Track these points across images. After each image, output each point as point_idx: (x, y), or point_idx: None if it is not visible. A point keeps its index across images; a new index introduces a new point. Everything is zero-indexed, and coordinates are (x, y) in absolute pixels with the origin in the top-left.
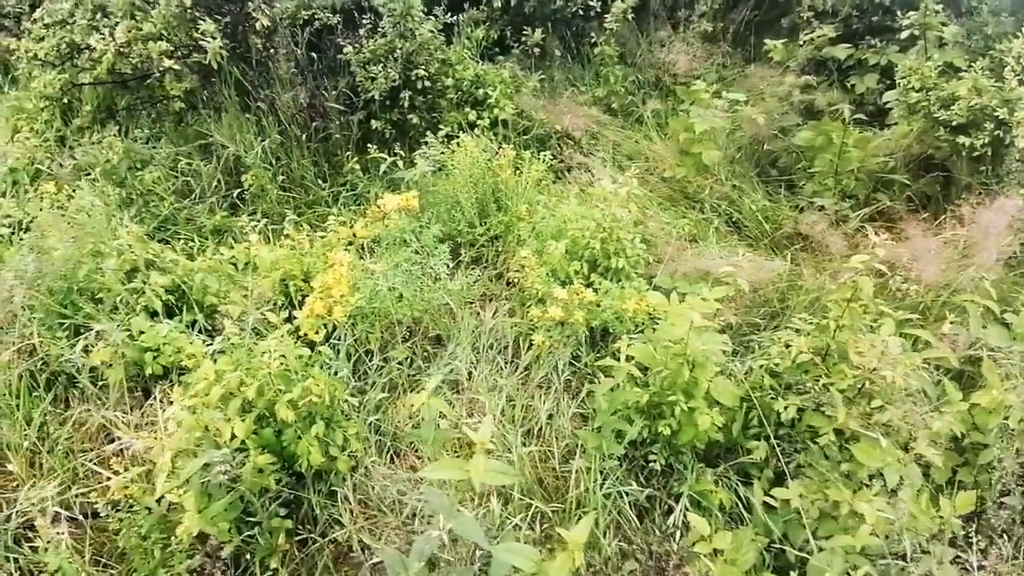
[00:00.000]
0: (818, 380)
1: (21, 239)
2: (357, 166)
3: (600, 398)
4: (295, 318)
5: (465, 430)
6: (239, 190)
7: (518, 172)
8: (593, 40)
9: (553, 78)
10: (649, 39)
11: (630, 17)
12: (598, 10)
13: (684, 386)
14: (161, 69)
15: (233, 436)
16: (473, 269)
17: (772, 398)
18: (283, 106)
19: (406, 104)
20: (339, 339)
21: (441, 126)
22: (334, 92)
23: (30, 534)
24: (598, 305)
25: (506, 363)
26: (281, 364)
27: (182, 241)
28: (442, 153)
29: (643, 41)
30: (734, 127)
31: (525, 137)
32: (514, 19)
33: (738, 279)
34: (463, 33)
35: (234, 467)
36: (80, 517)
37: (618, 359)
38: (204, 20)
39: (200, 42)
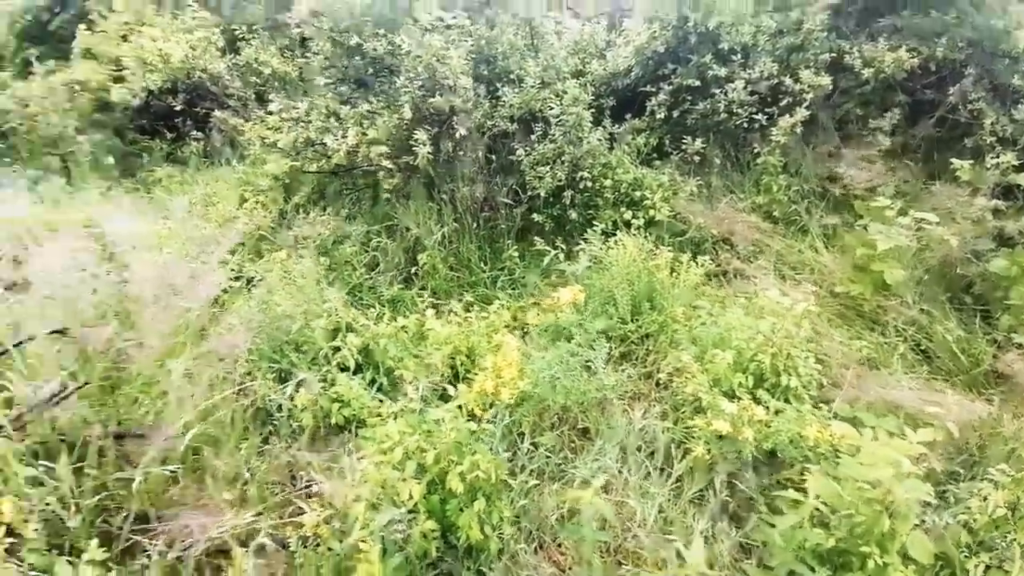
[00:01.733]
0: (1007, 536)
1: (250, 293)
2: (516, 254)
3: (777, 534)
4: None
5: (665, 546)
6: (414, 267)
7: (674, 274)
8: (755, 150)
9: (711, 184)
10: (815, 149)
11: (798, 130)
12: (763, 123)
13: (879, 537)
14: (379, 167)
15: (409, 496)
16: (622, 365)
17: (966, 556)
18: (461, 198)
19: (568, 201)
20: (496, 417)
21: (596, 222)
22: (504, 188)
23: (214, 561)
24: (767, 425)
25: (656, 470)
26: (455, 436)
27: (364, 307)
28: (600, 248)
29: (809, 152)
30: (921, 247)
31: (680, 239)
32: (674, 128)
33: (946, 422)
34: (623, 139)
35: (407, 528)
36: (276, 547)
37: (797, 491)
38: (417, 131)
39: (413, 147)
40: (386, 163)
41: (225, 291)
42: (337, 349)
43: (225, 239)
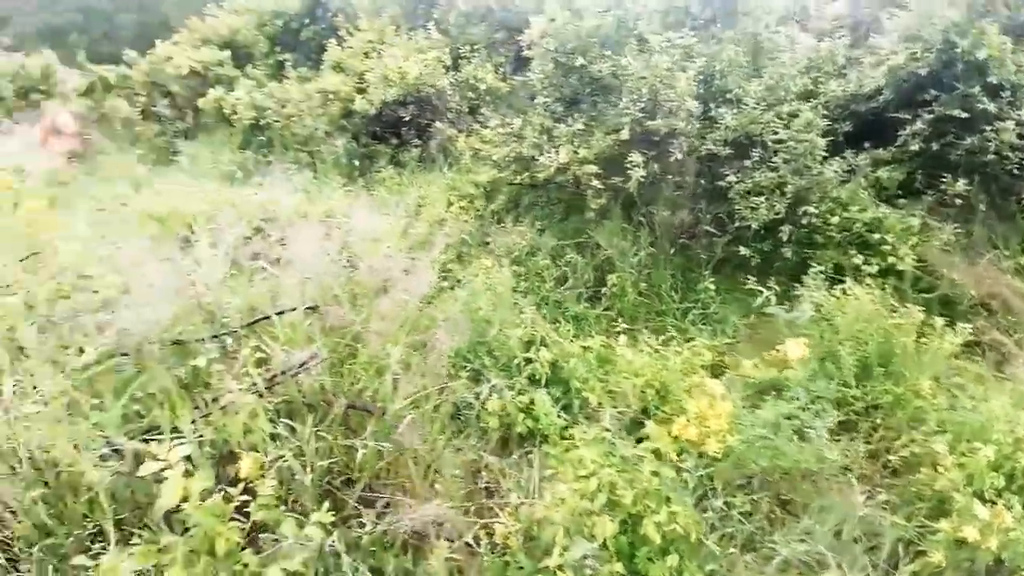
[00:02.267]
0: None
1: (454, 293)
2: (712, 287)
3: None
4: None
5: None
6: (603, 287)
7: (921, 339)
8: None
9: (971, 234)
10: None
11: None
12: None
13: None
14: (587, 185)
15: (601, 533)
16: (839, 436)
17: None
18: (660, 222)
19: (784, 237)
20: (692, 467)
21: (813, 263)
22: (709, 216)
23: (413, 542)
24: (1008, 532)
25: (879, 569)
26: (656, 482)
27: (550, 321)
28: (823, 296)
29: None
30: None
31: (926, 296)
32: (929, 164)
33: None
34: (861, 172)
35: (598, 565)
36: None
37: None
38: (632, 152)
39: (627, 169)
40: (595, 183)
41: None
42: (529, 361)
43: (436, 240)
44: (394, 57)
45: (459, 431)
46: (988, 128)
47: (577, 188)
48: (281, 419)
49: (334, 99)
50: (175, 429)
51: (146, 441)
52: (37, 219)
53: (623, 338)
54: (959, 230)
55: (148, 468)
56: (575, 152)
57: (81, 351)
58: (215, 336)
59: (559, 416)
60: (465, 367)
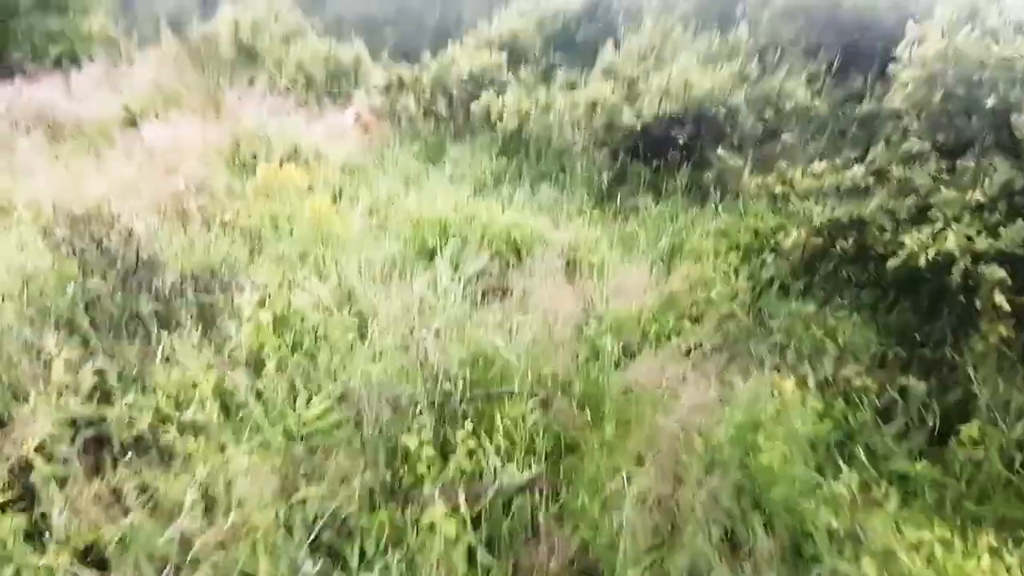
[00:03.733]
0: None
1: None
2: None
3: None
4: None
5: None
6: (951, 435)
7: None
8: None
9: None
10: None
11: None
12: None
13: None
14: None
15: None
16: None
17: None
18: None
19: None
20: None
21: None
22: None
23: None
24: None
25: None
26: None
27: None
28: None
29: None
30: None
31: None
32: None
33: None
34: None
35: None
36: None
37: None
38: None
39: None
40: (998, 298)
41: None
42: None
43: (706, 316)
44: (679, 65)
45: None
46: None
47: (964, 293)
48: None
49: (599, 109)
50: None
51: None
52: (320, 213)
53: (985, 539)
54: None
55: None
56: (968, 238)
57: (308, 400)
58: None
59: None
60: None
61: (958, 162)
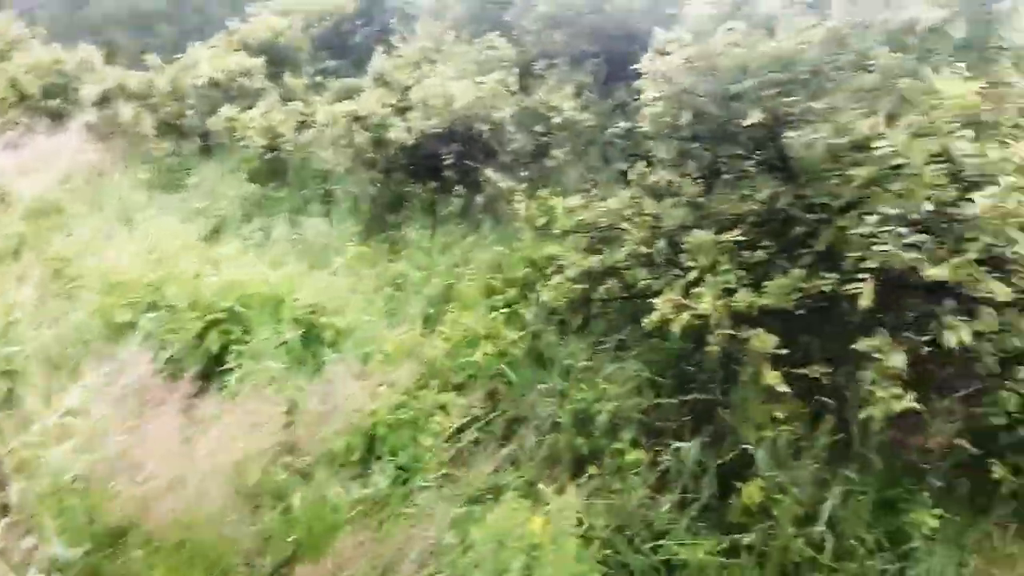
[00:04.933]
0: None
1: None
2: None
3: None
4: None
5: None
6: (729, 498)
7: None
8: None
9: None
10: None
11: None
12: None
13: None
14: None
15: None
16: None
17: None
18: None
19: None
20: None
21: None
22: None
23: None
24: None
25: None
26: None
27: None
28: None
29: None
30: None
31: None
32: None
33: None
34: None
35: None
36: None
37: None
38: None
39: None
40: (771, 376)
41: None
42: None
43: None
44: (440, 75)
45: None
46: None
47: (727, 367)
48: None
49: (363, 124)
50: None
51: None
52: None
53: None
54: None
55: None
56: (728, 291)
57: None
58: None
59: None
60: None
61: (715, 194)
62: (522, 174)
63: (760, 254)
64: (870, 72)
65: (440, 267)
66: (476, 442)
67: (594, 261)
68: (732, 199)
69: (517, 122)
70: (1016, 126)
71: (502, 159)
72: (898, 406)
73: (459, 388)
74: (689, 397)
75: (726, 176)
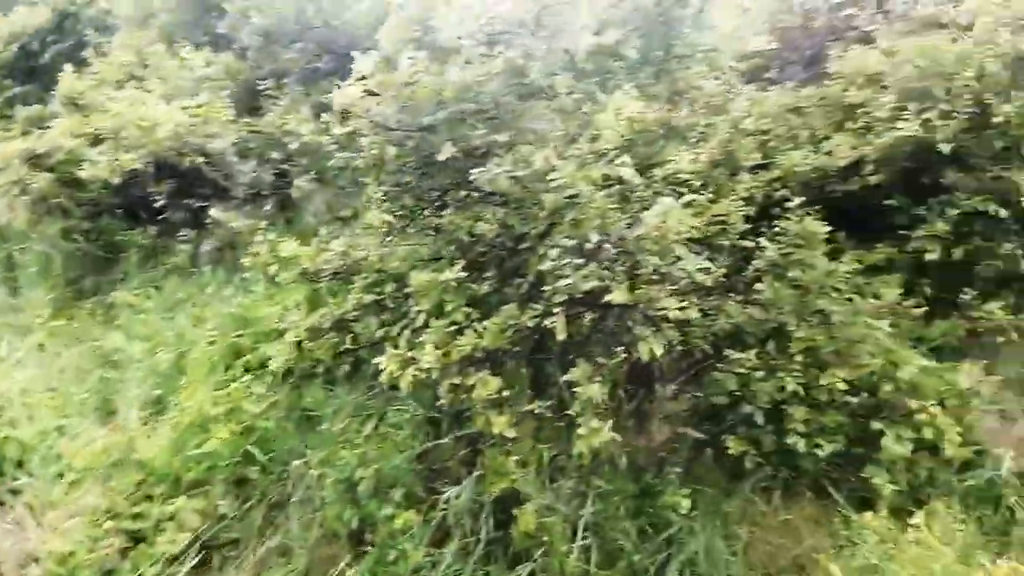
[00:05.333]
0: None
1: None
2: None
3: None
4: None
5: None
6: None
7: None
8: None
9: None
10: None
11: None
12: None
13: None
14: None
15: None
16: None
17: None
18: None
19: (798, 426)
20: None
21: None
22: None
23: None
24: None
25: None
26: None
27: None
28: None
29: None
30: None
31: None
32: (942, 274)
33: None
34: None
35: None
36: None
37: None
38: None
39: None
40: (500, 422)
41: None
42: None
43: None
44: (145, 96)
45: None
46: None
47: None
48: None
49: (42, 164)
50: None
51: None
52: None
53: None
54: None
55: None
56: (446, 347)
57: None
58: None
59: None
60: None
61: (436, 230)
62: (266, 209)
63: (486, 287)
64: (551, 100)
65: (168, 334)
66: (231, 544)
67: (320, 315)
68: (451, 235)
69: (246, 150)
70: (709, 125)
71: (235, 194)
72: (597, 440)
73: (197, 486)
74: (463, 432)
75: (443, 211)
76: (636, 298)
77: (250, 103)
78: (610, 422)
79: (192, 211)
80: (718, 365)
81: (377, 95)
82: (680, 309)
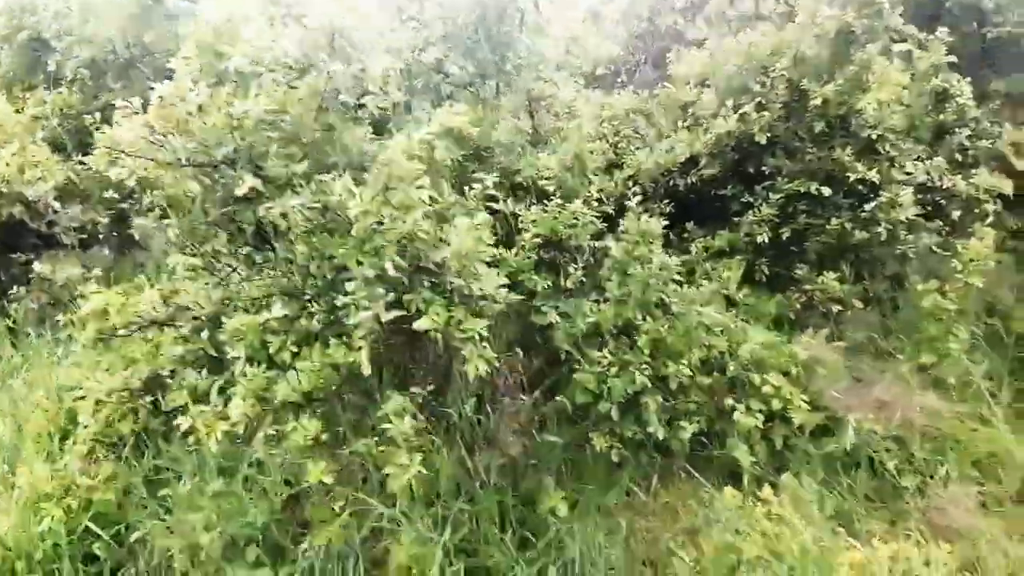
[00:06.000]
0: None
1: None
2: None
3: None
4: None
5: None
6: None
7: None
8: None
9: (846, 338)
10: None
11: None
12: (932, 246)
13: None
14: None
15: None
16: None
17: None
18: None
19: (650, 416)
20: None
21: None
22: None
23: None
24: None
25: None
26: None
27: None
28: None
29: None
30: None
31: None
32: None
33: None
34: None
35: None
36: None
37: None
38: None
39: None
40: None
41: None
42: None
43: None
44: None
45: None
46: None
47: None
48: None
49: None
50: None
51: None
52: None
53: None
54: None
55: None
56: (261, 396)
57: None
58: None
59: None
60: None
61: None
62: (105, 254)
63: (315, 322)
64: (357, 124)
65: (5, 403)
66: None
67: (127, 375)
68: (266, 272)
69: (72, 192)
70: (559, 131)
71: (65, 242)
72: (406, 476)
73: (50, 562)
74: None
75: (259, 248)
76: (444, 321)
77: (84, 139)
78: (419, 456)
79: (21, 265)
80: (577, 366)
81: (155, 130)
82: (488, 328)
